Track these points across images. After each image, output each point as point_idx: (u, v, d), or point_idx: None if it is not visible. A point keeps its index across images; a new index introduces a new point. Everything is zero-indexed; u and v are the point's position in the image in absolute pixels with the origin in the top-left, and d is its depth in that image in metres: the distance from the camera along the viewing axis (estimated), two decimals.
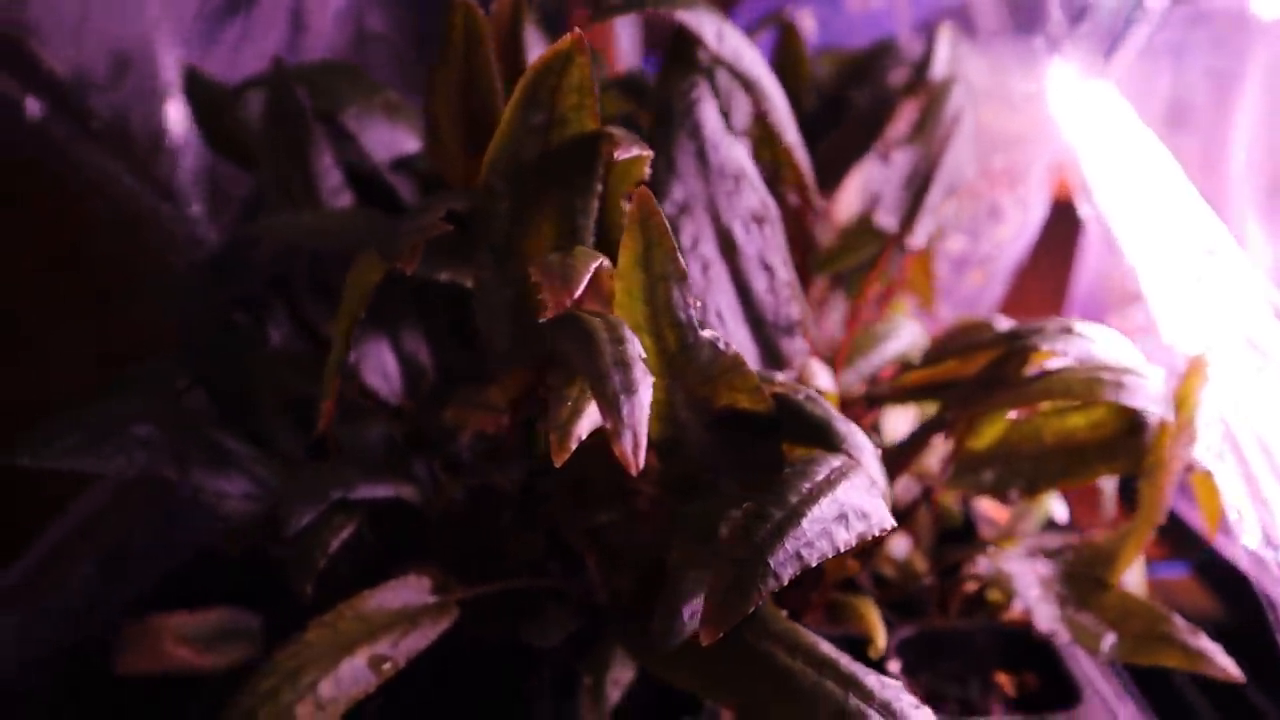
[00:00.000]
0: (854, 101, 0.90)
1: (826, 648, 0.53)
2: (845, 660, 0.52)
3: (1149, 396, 0.57)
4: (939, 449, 0.75)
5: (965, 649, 0.71)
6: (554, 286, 0.45)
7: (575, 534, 0.66)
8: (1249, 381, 0.64)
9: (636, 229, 0.52)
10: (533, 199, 0.58)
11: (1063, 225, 1.04)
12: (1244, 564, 0.57)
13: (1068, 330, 0.61)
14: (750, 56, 0.69)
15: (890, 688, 0.51)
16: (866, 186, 0.94)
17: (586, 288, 0.51)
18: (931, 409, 0.90)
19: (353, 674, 0.55)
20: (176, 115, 0.80)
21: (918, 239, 0.80)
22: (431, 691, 0.69)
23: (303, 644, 0.56)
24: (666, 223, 0.51)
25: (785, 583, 0.46)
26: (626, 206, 0.64)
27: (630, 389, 0.43)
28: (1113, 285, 1.07)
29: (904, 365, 0.83)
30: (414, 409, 0.70)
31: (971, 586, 0.75)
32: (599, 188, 0.58)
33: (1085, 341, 0.60)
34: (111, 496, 0.88)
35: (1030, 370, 0.63)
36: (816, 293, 0.85)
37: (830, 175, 0.90)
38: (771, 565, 0.46)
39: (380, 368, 0.69)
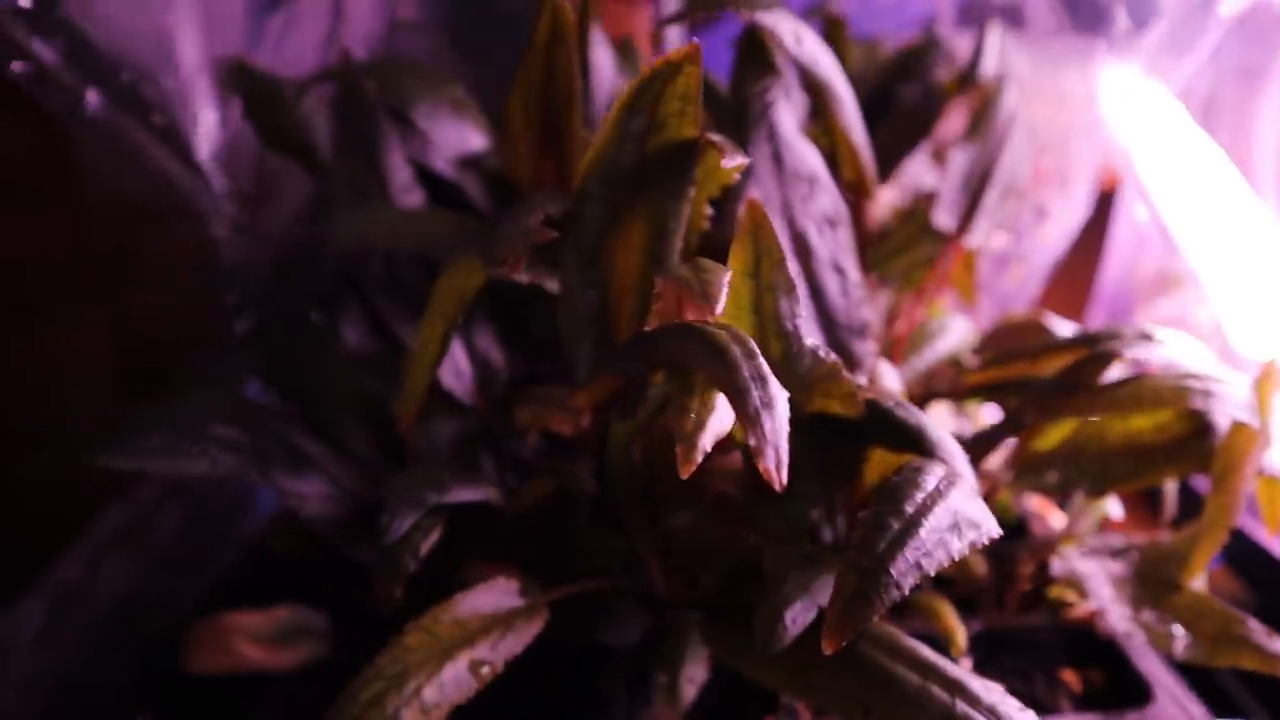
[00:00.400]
0: (901, 97, 0.91)
1: (928, 652, 0.54)
2: (950, 665, 0.53)
3: (1237, 404, 0.58)
4: (1000, 448, 0.75)
5: (1029, 646, 0.73)
6: (692, 299, 0.45)
7: (650, 535, 0.66)
8: None
9: (747, 239, 0.52)
10: (625, 203, 0.58)
11: (1095, 220, 1.05)
12: None
13: (1147, 336, 0.62)
14: (825, 59, 0.69)
15: (994, 691, 0.52)
16: (905, 182, 0.95)
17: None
18: (973, 406, 0.91)
19: (455, 678, 0.55)
20: (212, 107, 0.79)
21: (975, 238, 0.80)
22: (508, 692, 0.69)
23: (403, 648, 0.56)
24: (775, 234, 0.51)
25: (907, 591, 0.47)
26: (707, 210, 0.64)
27: (770, 404, 0.44)
28: (1141, 279, 1.08)
29: (955, 362, 0.84)
30: (485, 409, 0.70)
31: (1027, 584, 0.76)
32: (691, 192, 0.59)
33: (1167, 349, 0.61)
34: (159, 491, 0.88)
35: (1110, 375, 0.63)
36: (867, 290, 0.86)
37: (879, 171, 0.90)
38: (894, 575, 0.47)
39: (454, 368, 0.69)
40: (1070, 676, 0.70)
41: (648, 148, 0.57)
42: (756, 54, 0.68)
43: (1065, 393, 0.64)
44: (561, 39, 0.63)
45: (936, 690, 0.52)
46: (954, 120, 0.86)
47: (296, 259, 0.69)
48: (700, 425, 0.47)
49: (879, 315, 0.87)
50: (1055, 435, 0.71)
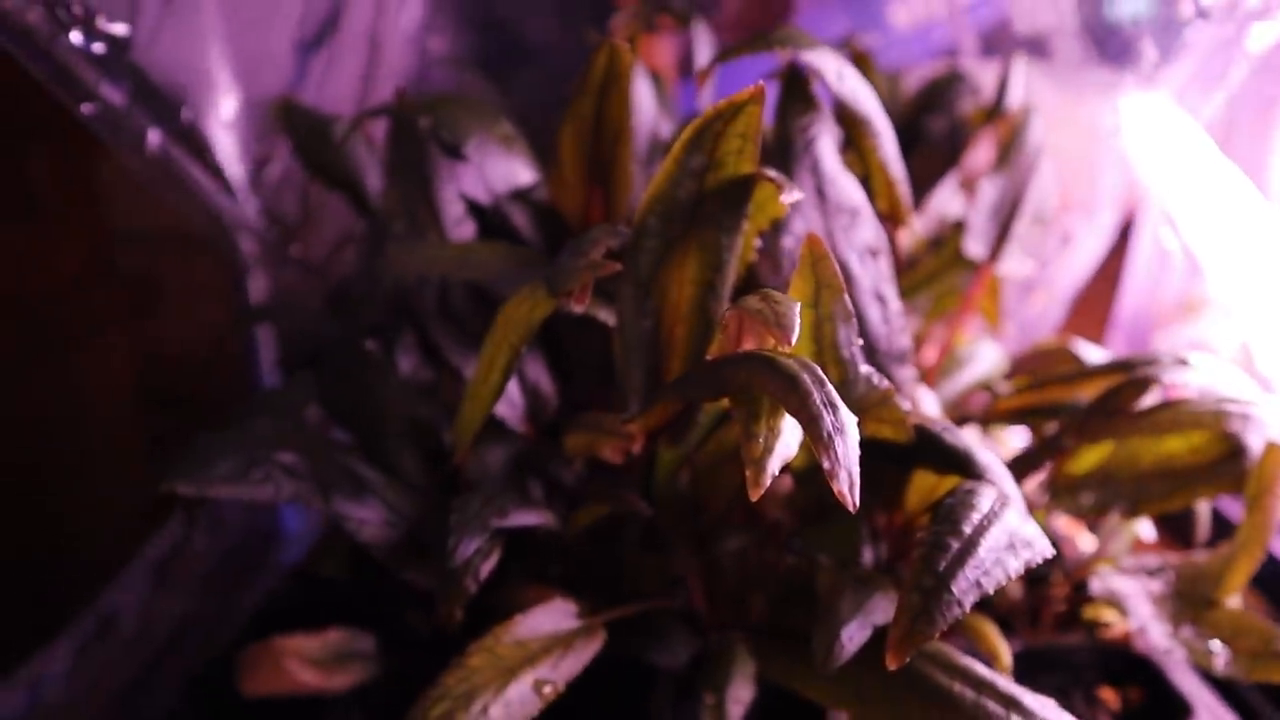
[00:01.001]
0: (929, 128, 0.93)
1: (982, 669, 0.56)
2: (1003, 681, 0.54)
3: (1274, 426, 0.60)
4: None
5: (1065, 664, 0.74)
6: (768, 328, 0.47)
7: (694, 557, 0.68)
8: None
9: (808, 270, 0.54)
10: (680, 236, 0.60)
11: (1116, 249, 1.07)
12: None
13: (1183, 362, 0.64)
14: (866, 95, 0.71)
15: (1048, 706, 0.53)
16: (932, 212, 0.97)
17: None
18: (999, 432, 0.93)
19: (520, 697, 0.57)
20: (260, 144, 0.82)
21: (1005, 267, 0.83)
22: (559, 712, 0.71)
23: (468, 668, 0.57)
24: (837, 266, 0.53)
25: (968, 609, 0.49)
26: (757, 243, 0.66)
27: (841, 429, 0.46)
28: (1161, 305, 1.10)
29: (986, 388, 0.86)
30: (534, 436, 0.72)
31: (1061, 605, 0.78)
32: (745, 226, 0.61)
33: (1203, 373, 0.63)
34: (191, 521, 0.89)
35: (1147, 399, 0.65)
36: None
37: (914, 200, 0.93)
38: (955, 593, 0.48)
39: (507, 397, 0.70)
40: (1108, 694, 0.72)
41: (705, 184, 0.59)
42: (799, 91, 0.71)
43: (1104, 416, 0.65)
44: (617, 78, 0.65)
45: (991, 705, 0.53)
46: (981, 151, 0.89)
47: (351, 290, 0.71)
48: (769, 450, 0.49)
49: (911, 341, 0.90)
50: (1090, 458, 0.73)
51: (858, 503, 0.45)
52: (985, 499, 0.53)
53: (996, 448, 0.87)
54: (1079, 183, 0.93)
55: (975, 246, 0.82)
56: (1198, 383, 0.62)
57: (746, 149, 0.58)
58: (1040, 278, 1.00)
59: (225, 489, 0.62)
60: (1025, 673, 0.74)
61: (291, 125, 0.82)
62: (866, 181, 0.79)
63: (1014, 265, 0.82)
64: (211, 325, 1.03)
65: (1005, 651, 0.66)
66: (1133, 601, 0.67)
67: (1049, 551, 0.52)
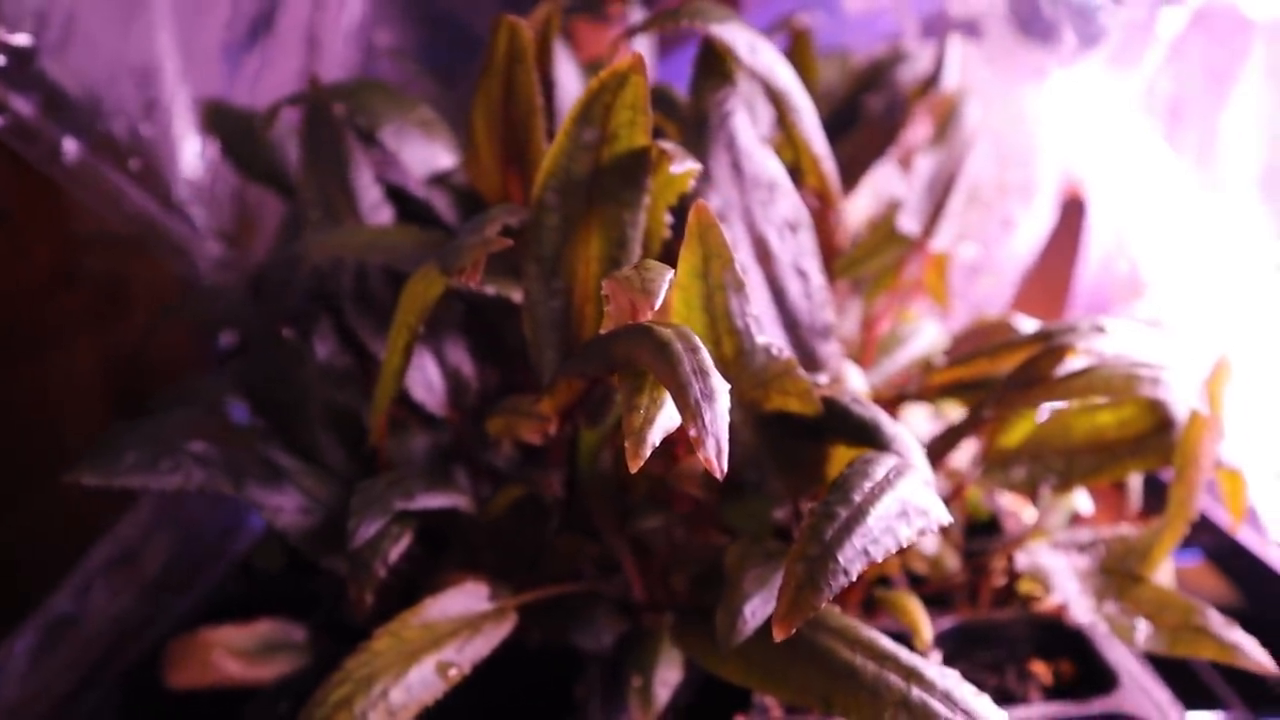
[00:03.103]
0: (867, 107, 0.92)
1: (886, 642, 0.55)
2: (905, 653, 0.54)
3: (1185, 392, 0.59)
4: (967, 446, 0.77)
5: (1000, 640, 0.73)
6: (633, 298, 0.46)
7: (617, 538, 0.67)
8: (1269, 378, 0.66)
9: (695, 241, 0.53)
10: (581, 213, 0.60)
11: (1067, 226, 1.06)
12: (1271, 558, 0.59)
13: (1100, 329, 0.63)
14: (781, 69, 0.71)
15: (950, 677, 0.53)
16: (880, 190, 0.96)
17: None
18: (949, 407, 0.92)
19: (421, 681, 0.56)
20: (190, 140, 0.81)
21: (940, 242, 0.82)
22: (483, 695, 0.70)
23: (371, 653, 0.57)
24: (724, 235, 0.53)
25: (854, 578, 0.48)
26: (668, 218, 0.66)
27: (710, 396, 0.45)
28: (1117, 282, 1.09)
29: (926, 365, 0.85)
30: (458, 420, 0.71)
31: (1000, 580, 0.77)
32: (646, 200, 0.60)
33: (1119, 340, 0.62)
34: (149, 518, 0.89)
35: (1065, 368, 0.65)
36: (838, 295, 0.87)
37: (847, 179, 0.92)
38: (841, 562, 0.48)
39: (425, 381, 0.70)
40: (1040, 668, 0.71)
41: (601, 158, 0.58)
42: (714, 65, 0.70)
43: (1022, 387, 0.65)
44: (519, 57, 0.65)
45: (893, 678, 0.53)
46: (918, 128, 0.88)
47: (270, 278, 0.71)
48: (649, 421, 0.48)
49: (855, 320, 0.89)
50: (1020, 431, 0.72)
51: (725, 469, 0.44)
52: (880, 468, 0.52)
53: (929, 422, 0.87)
54: (1016, 167, 0.92)
55: (909, 223, 0.82)
56: (1112, 349, 0.61)
57: (638, 120, 0.57)
58: (986, 261, 0.99)
59: (134, 478, 0.61)
60: (960, 648, 0.73)
61: (218, 125, 0.81)
62: (797, 160, 0.78)
63: (947, 241, 0.82)
64: (177, 324, 1.03)
65: (926, 627, 0.65)
66: (1058, 577, 0.66)
67: (945, 519, 0.52)
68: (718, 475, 0.44)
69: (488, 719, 0.70)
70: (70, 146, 0.74)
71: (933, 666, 0.53)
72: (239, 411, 0.72)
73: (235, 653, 0.72)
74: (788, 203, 0.71)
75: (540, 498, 0.70)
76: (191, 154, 0.83)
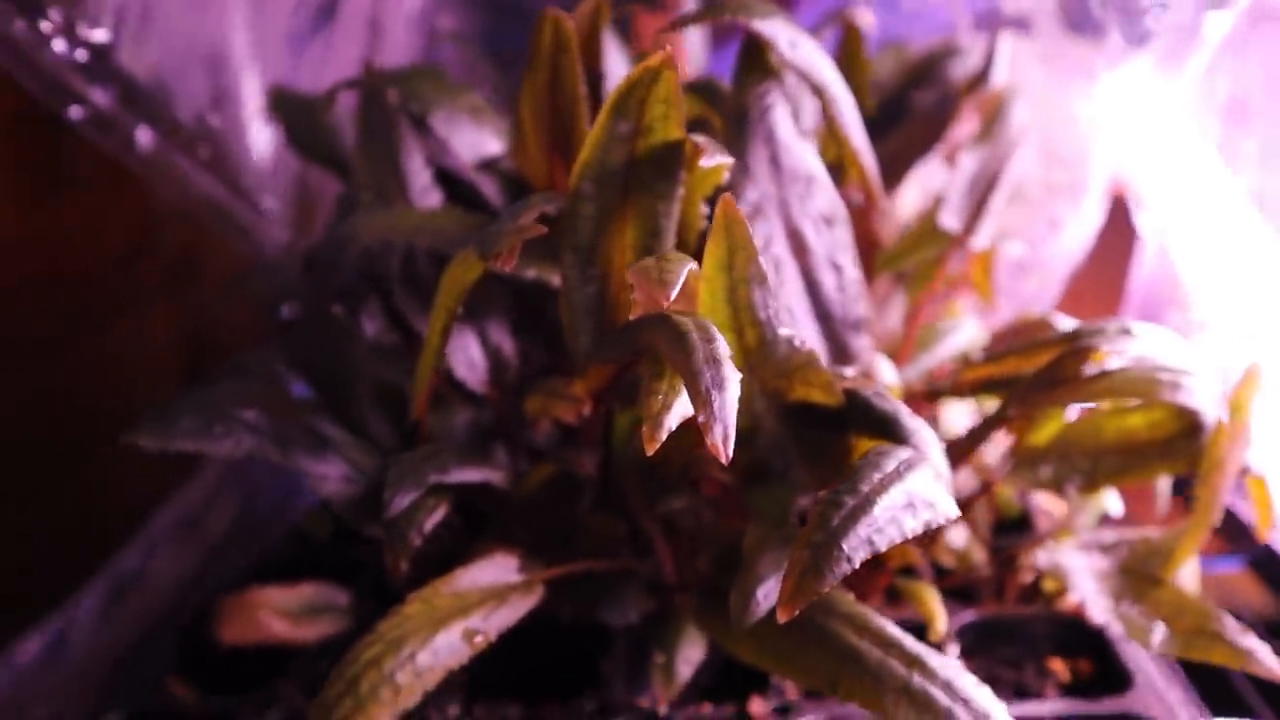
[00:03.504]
0: (916, 102, 0.93)
1: (892, 629, 0.56)
2: (910, 641, 0.55)
3: (1203, 397, 0.59)
4: (998, 443, 0.77)
5: (1021, 636, 0.74)
6: (650, 288, 0.48)
7: (648, 518, 0.70)
8: None
9: (720, 235, 0.55)
10: (617, 203, 0.62)
11: (1119, 229, 1.06)
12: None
13: (1126, 331, 0.64)
14: (822, 64, 0.72)
15: (951, 667, 0.54)
16: (928, 186, 0.97)
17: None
18: (989, 404, 0.92)
19: (448, 645, 0.59)
20: (257, 127, 0.85)
21: (980, 240, 0.82)
22: (513, 666, 0.73)
23: (403, 616, 0.60)
24: (749, 228, 0.55)
25: (857, 566, 0.49)
26: (704, 209, 0.68)
27: (721, 385, 0.47)
28: (1169, 288, 1.08)
29: (965, 361, 0.85)
30: (498, 398, 0.74)
31: (1028, 576, 0.78)
32: (680, 192, 0.62)
33: (1144, 343, 0.63)
34: (213, 483, 0.94)
35: (1090, 369, 0.65)
36: (880, 290, 0.88)
37: (892, 174, 0.92)
38: (845, 549, 0.49)
39: (468, 360, 0.73)
40: (1059, 665, 0.72)
41: (636, 150, 0.60)
42: (756, 60, 0.71)
43: (1046, 387, 0.65)
44: (564, 47, 0.67)
45: (896, 664, 0.54)
46: (966, 124, 0.88)
47: (321, 258, 0.74)
48: (666, 406, 0.50)
49: (899, 315, 0.90)
50: (1049, 430, 0.73)
51: (730, 455, 0.46)
52: (891, 461, 0.54)
53: (969, 418, 0.87)
54: (1065, 166, 0.92)
55: (950, 219, 0.82)
56: (1135, 352, 0.62)
57: (671, 114, 0.59)
58: (1034, 260, 0.99)
59: (187, 443, 0.65)
60: (981, 642, 0.74)
61: (281, 110, 0.85)
62: (840, 155, 0.79)
63: (988, 239, 0.82)
64: (244, 301, 1.07)
65: (940, 618, 0.67)
66: (1076, 576, 0.67)
67: (953, 513, 0.53)
68: (723, 460, 0.46)
69: (517, 688, 0.73)
70: (144, 136, 0.78)
71: (936, 656, 0.54)
72: (295, 386, 0.76)
73: (281, 613, 0.75)
74: (825, 197, 0.72)
75: (574, 476, 0.72)
76: (258, 140, 0.87)
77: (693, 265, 0.50)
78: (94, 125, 0.74)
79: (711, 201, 0.72)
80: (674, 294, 0.48)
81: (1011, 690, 0.71)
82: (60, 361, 0.86)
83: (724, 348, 0.48)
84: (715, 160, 0.58)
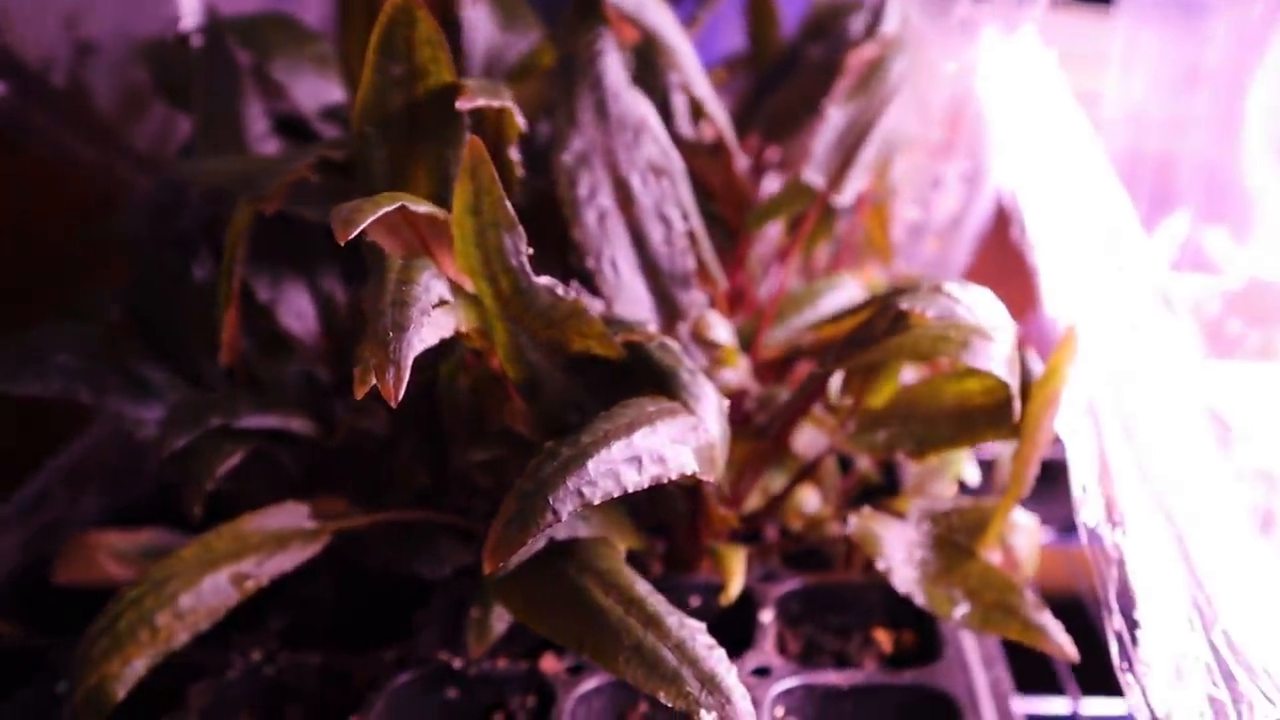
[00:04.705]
0: (807, 56, 0.90)
1: (641, 588, 0.55)
2: (654, 601, 0.54)
3: (991, 358, 0.56)
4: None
5: (852, 604, 0.72)
6: (338, 227, 0.47)
7: (460, 471, 0.69)
8: (1121, 360, 0.63)
9: (466, 178, 0.53)
10: (405, 149, 0.61)
11: None
12: (1083, 539, 0.56)
13: (936, 289, 0.61)
14: (654, 9, 0.70)
15: (689, 628, 0.52)
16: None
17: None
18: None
19: (214, 588, 0.59)
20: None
21: (845, 197, 0.79)
22: (329, 618, 0.73)
23: (176, 559, 0.60)
24: (494, 172, 0.53)
25: (564, 517, 0.48)
26: (514, 155, 0.66)
27: (402, 327, 0.46)
28: None
29: (824, 323, 0.83)
30: (329, 347, 0.74)
31: None
32: (467, 137, 0.60)
33: (949, 301, 0.60)
34: (99, 432, 0.95)
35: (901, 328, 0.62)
36: (751, 247, 0.86)
37: (780, 128, 0.90)
38: (551, 501, 0.48)
39: (295, 309, 0.72)
40: (883, 636, 0.70)
41: (415, 93, 0.59)
42: (587, 6, 0.69)
43: (857, 347, 0.63)
44: None
45: (634, 624, 0.53)
46: (850, 77, 0.85)
47: (158, 202, 0.74)
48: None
49: (760, 272, 0.87)
50: (884, 394, 0.71)
51: (399, 397, 0.45)
52: (628, 414, 0.52)
53: None
54: (945, 126, 0.88)
55: (814, 175, 0.79)
56: (935, 312, 0.59)
57: (439, 56, 0.57)
58: (929, 223, 0.95)
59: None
60: (809, 610, 0.72)
61: (150, 57, 0.85)
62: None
63: (851, 196, 0.79)
64: None
65: (735, 582, 0.65)
66: (887, 546, 0.64)
67: (687, 469, 0.52)
68: (392, 404, 0.45)
69: (334, 639, 0.72)
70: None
71: (675, 616, 0.53)
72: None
73: (119, 555, 0.76)
74: (655, 147, 0.70)
75: (396, 425, 0.72)
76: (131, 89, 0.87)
77: (400, 205, 0.49)
78: None
79: (540, 152, 0.71)
80: (353, 233, 0.47)
81: (832, 659, 0.69)
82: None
83: (423, 291, 0.47)
84: (477, 102, 0.56)
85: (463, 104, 0.56)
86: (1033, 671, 0.68)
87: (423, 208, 0.51)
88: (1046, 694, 0.71)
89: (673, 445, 0.52)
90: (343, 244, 0.46)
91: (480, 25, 0.81)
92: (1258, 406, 0.89)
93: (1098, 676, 0.66)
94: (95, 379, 0.68)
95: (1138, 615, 0.50)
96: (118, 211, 0.87)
